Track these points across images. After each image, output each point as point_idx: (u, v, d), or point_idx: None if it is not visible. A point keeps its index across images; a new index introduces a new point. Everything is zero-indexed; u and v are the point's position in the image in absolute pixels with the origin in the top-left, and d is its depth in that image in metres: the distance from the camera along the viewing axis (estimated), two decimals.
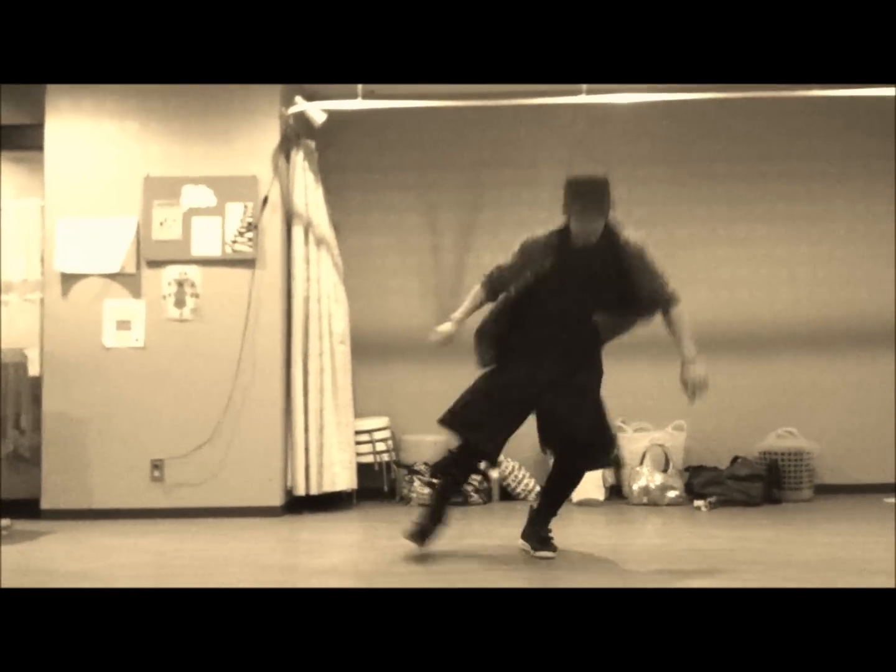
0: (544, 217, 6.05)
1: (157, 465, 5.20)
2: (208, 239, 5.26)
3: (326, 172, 5.71)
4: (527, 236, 4.00)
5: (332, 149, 5.92)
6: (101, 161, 5.32)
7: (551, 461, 4.20)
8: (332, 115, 5.45)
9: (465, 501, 5.55)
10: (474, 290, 4.18)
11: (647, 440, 5.64)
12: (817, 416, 5.95)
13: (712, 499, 5.32)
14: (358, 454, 5.60)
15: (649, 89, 5.24)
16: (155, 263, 5.28)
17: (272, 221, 5.30)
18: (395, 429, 5.93)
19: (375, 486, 5.73)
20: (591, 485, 5.53)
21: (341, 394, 5.44)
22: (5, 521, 4.67)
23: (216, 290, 5.27)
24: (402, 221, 6.14)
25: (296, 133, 5.44)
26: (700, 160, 6.11)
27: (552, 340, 3.88)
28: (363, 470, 5.63)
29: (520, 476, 5.77)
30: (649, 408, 5.85)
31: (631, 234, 3.88)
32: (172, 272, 5.28)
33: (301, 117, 5.42)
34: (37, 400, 5.20)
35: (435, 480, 4.68)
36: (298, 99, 5.35)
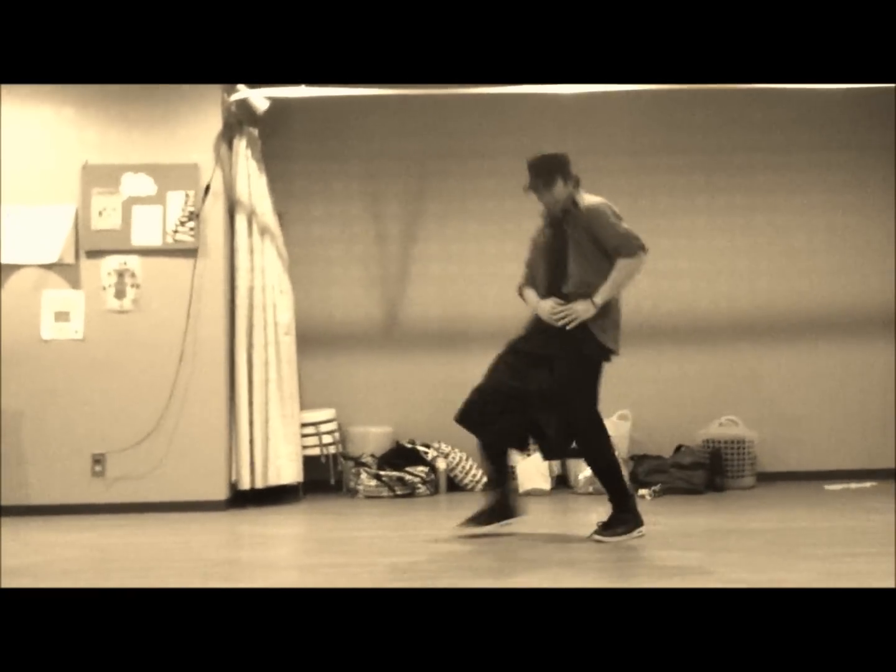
0: (491, 206, 6.11)
1: (98, 460, 5.11)
2: (149, 228, 5.17)
3: (270, 160, 5.64)
4: None
5: (275, 137, 5.85)
6: (37, 148, 5.19)
7: None
8: (276, 103, 5.38)
9: (413, 493, 5.53)
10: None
11: None
12: (758, 404, 6.04)
13: (656, 487, 5.37)
14: (304, 447, 5.55)
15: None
16: (94, 253, 5.17)
17: (214, 210, 5.22)
18: (341, 420, 5.89)
19: (322, 478, 5.69)
20: (538, 475, 5.56)
21: (286, 385, 5.39)
22: None
23: (157, 280, 5.17)
24: (347, 210, 6.09)
25: (238, 120, 5.36)
26: (643, 152, 6.16)
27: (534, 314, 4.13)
28: (309, 462, 5.59)
29: (467, 467, 5.77)
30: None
31: (589, 198, 4.08)
32: (112, 262, 5.17)
33: (244, 104, 5.35)
34: None
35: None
36: (241, 86, 5.27)
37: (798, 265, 6.11)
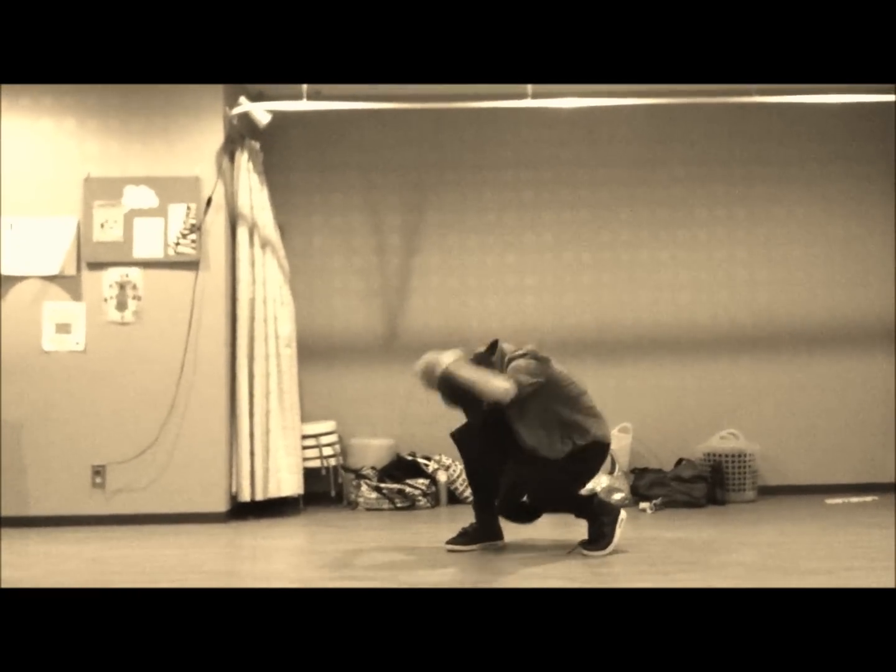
0: (491, 219, 6.12)
1: (98, 471, 5.11)
2: (150, 241, 5.18)
3: (271, 173, 5.66)
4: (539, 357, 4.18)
5: (276, 150, 5.88)
6: (39, 160, 5.21)
7: None
8: (277, 116, 5.40)
9: (413, 506, 5.53)
10: (497, 383, 4.11)
11: None
12: (759, 417, 6.03)
13: (657, 500, 5.37)
14: (304, 459, 5.55)
15: (593, 94, 5.28)
16: (96, 265, 5.18)
17: (216, 223, 5.23)
18: (342, 433, 5.89)
19: (323, 491, 5.68)
20: None
21: (287, 397, 5.39)
22: None
23: (159, 292, 5.18)
24: (347, 222, 6.10)
25: (240, 133, 5.38)
26: (641, 164, 6.17)
27: None
28: (310, 475, 5.58)
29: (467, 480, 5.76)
30: None
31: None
32: (114, 274, 5.18)
33: (245, 118, 5.36)
34: None
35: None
36: (242, 99, 5.29)
37: (798, 277, 6.12)
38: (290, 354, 5.44)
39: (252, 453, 5.23)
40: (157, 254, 5.18)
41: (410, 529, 4.83)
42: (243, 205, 5.32)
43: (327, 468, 5.68)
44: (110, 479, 5.11)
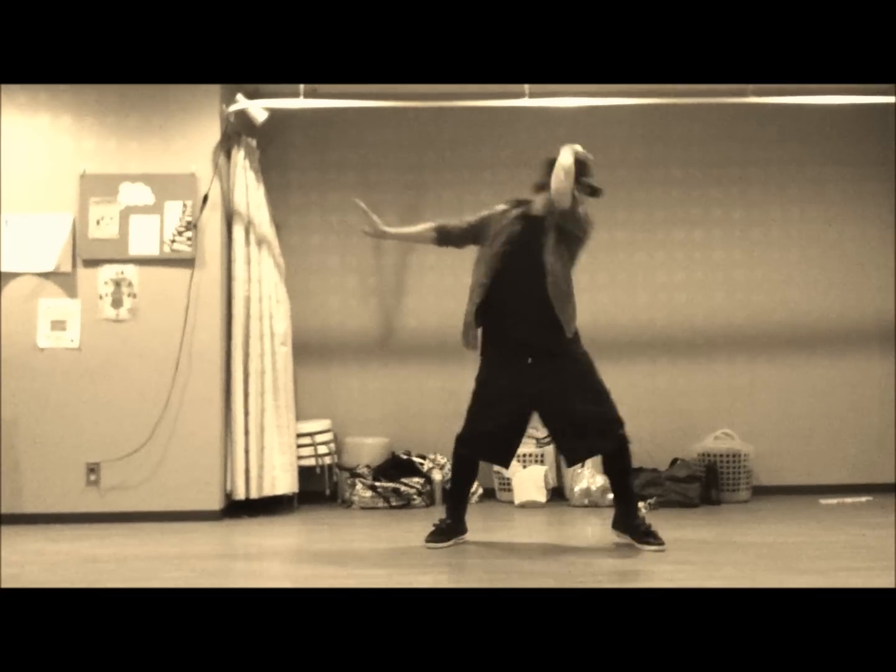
0: None
1: (92, 469, 5.10)
2: (146, 238, 5.17)
3: (268, 171, 5.65)
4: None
5: (273, 147, 5.87)
6: (35, 156, 5.20)
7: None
8: (274, 114, 5.39)
9: (408, 504, 5.52)
10: (423, 225, 4.46)
11: None
12: (754, 418, 6.04)
13: (652, 500, 5.37)
14: (299, 457, 5.54)
15: (590, 94, 5.28)
16: (91, 262, 5.17)
17: (212, 220, 5.22)
18: (337, 431, 5.88)
19: (317, 489, 5.67)
20: (533, 486, 5.55)
21: (282, 395, 5.38)
22: None
23: (154, 289, 5.17)
24: (344, 221, 6.09)
25: (236, 131, 5.37)
26: (639, 165, 6.17)
27: (522, 321, 4.11)
28: (304, 473, 5.57)
29: None
30: None
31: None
32: (109, 271, 5.17)
33: (242, 115, 5.36)
34: None
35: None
36: (239, 96, 5.28)
37: (794, 278, 6.12)
38: (285, 352, 5.44)
39: (247, 451, 5.23)
40: (152, 251, 5.17)
41: (405, 528, 4.82)
42: (239, 202, 5.31)
43: (322, 467, 5.67)
44: (105, 477, 5.10)
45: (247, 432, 5.23)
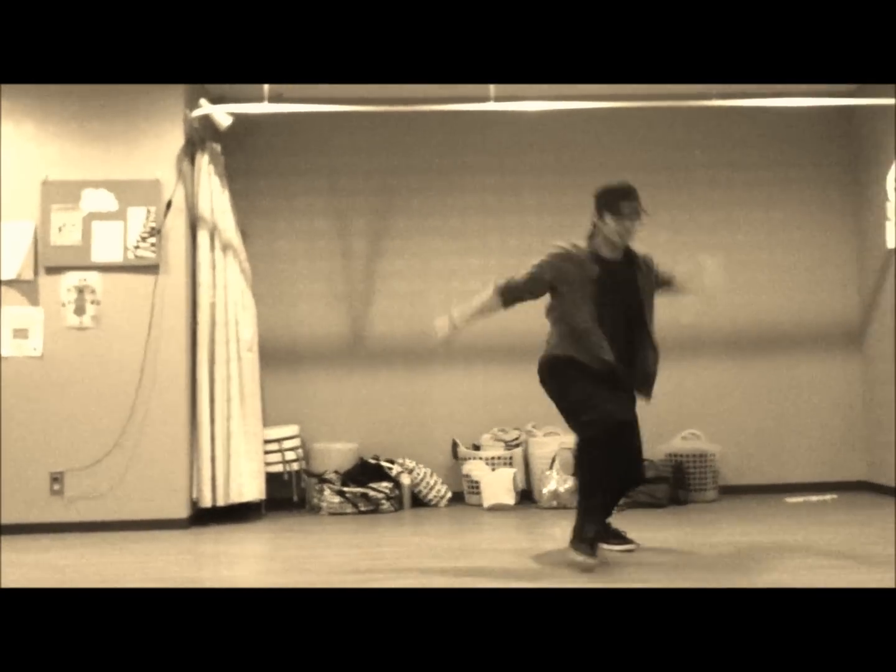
0: (455, 223, 6.12)
1: (56, 478, 5.04)
2: (109, 244, 5.13)
3: (233, 177, 5.63)
4: (551, 251, 4.04)
5: (238, 153, 5.84)
6: None
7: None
8: (239, 119, 5.36)
9: (377, 509, 5.51)
10: (484, 295, 4.06)
11: (557, 444, 5.69)
12: (721, 418, 6.08)
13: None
14: (267, 464, 5.51)
15: (557, 98, 5.30)
16: (53, 270, 5.12)
17: (176, 226, 5.19)
18: (304, 437, 5.86)
19: (285, 496, 5.65)
20: (502, 489, 5.56)
21: (249, 402, 5.35)
22: None
23: (118, 297, 5.13)
24: (311, 226, 6.08)
25: (201, 136, 5.34)
26: (604, 169, 6.18)
27: (618, 357, 3.90)
28: (272, 480, 5.55)
29: (431, 483, 5.76)
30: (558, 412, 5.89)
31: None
32: (72, 279, 5.12)
33: (206, 120, 5.32)
34: None
35: None
36: (203, 101, 5.25)
37: (760, 280, 6.18)
38: (251, 358, 5.41)
39: (213, 458, 5.19)
40: (116, 258, 5.12)
41: (374, 533, 4.81)
42: (204, 208, 5.28)
43: (290, 473, 5.65)
44: (69, 486, 5.04)
45: (213, 439, 5.20)
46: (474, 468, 5.70)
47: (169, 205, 5.14)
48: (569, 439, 5.74)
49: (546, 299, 4.07)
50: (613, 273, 3.97)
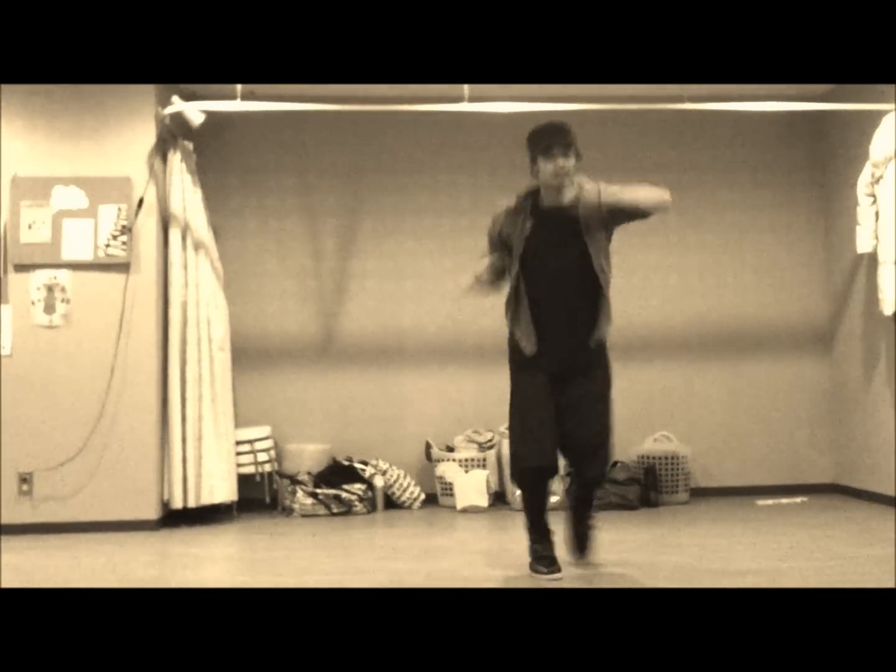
0: (428, 223, 6.11)
1: (25, 479, 4.97)
2: (80, 242, 5.07)
3: (205, 175, 5.58)
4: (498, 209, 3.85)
5: (210, 151, 5.80)
6: None
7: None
8: (211, 117, 5.32)
9: (349, 511, 5.48)
10: (489, 256, 3.88)
11: None
12: (692, 420, 6.11)
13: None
14: (239, 465, 5.47)
15: (528, 99, 5.30)
16: (22, 267, 5.05)
17: (147, 224, 5.14)
18: (277, 438, 5.82)
19: (257, 497, 5.61)
20: (475, 491, 5.55)
21: (220, 402, 5.31)
22: None
23: (88, 295, 5.07)
24: (282, 225, 6.04)
25: (172, 134, 5.29)
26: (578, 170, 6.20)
27: (554, 317, 3.67)
28: (244, 481, 5.51)
29: (405, 484, 5.74)
30: None
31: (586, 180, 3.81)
32: (41, 277, 5.06)
33: (178, 118, 5.27)
34: None
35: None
36: (175, 99, 5.20)
37: (729, 282, 6.22)
38: (223, 358, 5.37)
39: (184, 459, 5.14)
40: (86, 256, 5.07)
41: (346, 535, 4.79)
42: (176, 206, 5.23)
43: (262, 474, 5.61)
44: (38, 487, 4.98)
45: (184, 440, 5.15)
46: (448, 470, 5.69)
47: (140, 203, 5.09)
48: None
49: None
50: (548, 226, 3.68)
